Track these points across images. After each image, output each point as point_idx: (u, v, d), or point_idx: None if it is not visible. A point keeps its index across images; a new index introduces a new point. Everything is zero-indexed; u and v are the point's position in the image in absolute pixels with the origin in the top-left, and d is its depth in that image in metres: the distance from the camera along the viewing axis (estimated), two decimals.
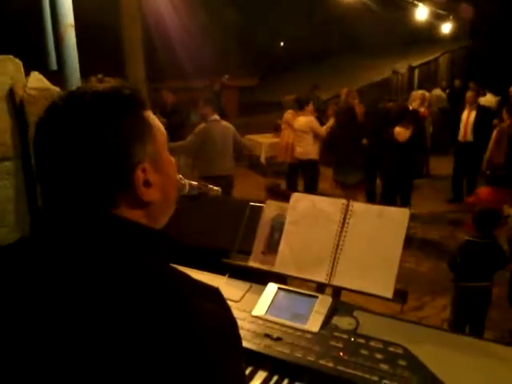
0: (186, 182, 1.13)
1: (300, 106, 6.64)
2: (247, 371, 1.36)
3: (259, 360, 1.37)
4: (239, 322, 1.49)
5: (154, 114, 0.87)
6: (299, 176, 7.04)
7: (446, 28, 14.90)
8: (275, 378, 1.32)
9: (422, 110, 7.19)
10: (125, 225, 0.77)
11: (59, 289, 0.71)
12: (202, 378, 0.66)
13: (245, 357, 1.39)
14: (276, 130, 8.96)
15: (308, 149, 6.53)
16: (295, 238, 1.64)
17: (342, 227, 1.58)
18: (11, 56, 2.18)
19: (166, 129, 0.88)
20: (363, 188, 6.53)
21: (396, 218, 1.52)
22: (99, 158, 0.74)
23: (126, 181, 0.76)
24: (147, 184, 0.79)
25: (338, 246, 1.57)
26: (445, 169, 8.22)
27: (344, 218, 1.59)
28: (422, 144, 6.95)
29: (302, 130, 6.52)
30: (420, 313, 4.46)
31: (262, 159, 8.95)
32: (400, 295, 1.47)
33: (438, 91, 10.88)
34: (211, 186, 1.30)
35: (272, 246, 1.67)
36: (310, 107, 6.63)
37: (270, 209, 1.73)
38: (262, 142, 9.05)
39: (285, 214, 1.69)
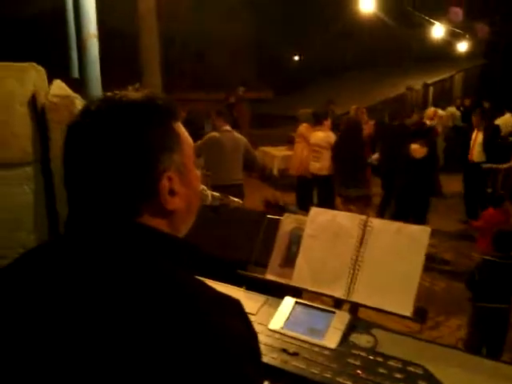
0: (209, 193, 1.13)
1: (317, 120, 6.61)
2: None
3: (276, 375, 1.35)
4: None
5: None
6: (313, 191, 7.01)
7: (462, 47, 14.91)
8: None
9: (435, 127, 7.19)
10: (147, 232, 0.77)
11: (79, 296, 0.71)
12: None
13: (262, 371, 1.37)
14: (290, 142, 8.98)
15: (325, 164, 6.44)
16: (313, 251, 1.62)
17: (361, 243, 1.57)
18: (34, 63, 2.22)
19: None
20: (367, 203, 6.45)
21: (416, 236, 1.50)
22: (128, 164, 0.75)
23: (151, 188, 0.77)
24: (172, 193, 0.80)
25: (356, 261, 1.55)
26: (457, 187, 8.16)
27: (363, 234, 1.57)
28: (435, 161, 6.93)
29: (319, 145, 6.46)
30: (435, 332, 4.39)
31: (275, 171, 8.96)
32: (419, 314, 1.44)
33: (452, 109, 10.86)
34: (232, 198, 1.30)
35: (289, 259, 1.66)
36: (329, 122, 6.60)
37: (288, 221, 1.72)
38: (275, 155, 9.08)
39: (302, 227, 1.67)
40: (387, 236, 1.54)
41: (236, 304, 0.77)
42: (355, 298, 1.51)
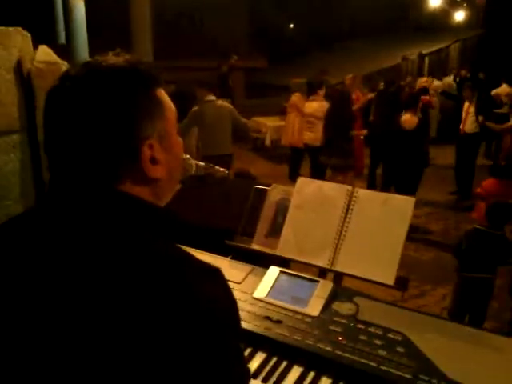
0: (193, 162, 1.13)
1: (311, 90, 6.53)
2: (247, 352, 1.37)
3: (259, 342, 1.38)
4: (240, 304, 1.50)
5: None
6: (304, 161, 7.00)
7: (459, 16, 14.68)
8: (274, 359, 1.34)
9: (427, 97, 7.13)
10: (128, 200, 0.77)
11: (60, 264, 0.71)
12: (200, 359, 0.67)
13: (245, 338, 1.40)
14: (282, 112, 8.91)
15: (319, 135, 6.36)
16: (299, 222, 1.64)
17: (346, 213, 1.58)
18: (20, 28, 2.16)
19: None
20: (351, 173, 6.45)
21: (400, 206, 1.52)
22: (108, 130, 0.74)
23: (132, 155, 0.76)
24: (153, 161, 0.79)
25: (341, 231, 1.57)
26: (449, 158, 8.18)
27: (348, 204, 1.58)
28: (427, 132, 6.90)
29: (313, 116, 6.39)
30: (420, 301, 4.49)
31: (267, 142, 8.92)
32: (401, 282, 1.47)
33: (449, 79, 10.78)
34: (218, 168, 1.29)
35: (275, 230, 1.68)
36: (323, 91, 6.52)
37: (275, 192, 1.73)
38: (268, 125, 9.02)
39: (289, 197, 1.68)
40: (372, 206, 1.56)
41: (216, 272, 0.78)
42: (338, 267, 1.54)
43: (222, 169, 1.31)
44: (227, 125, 5.27)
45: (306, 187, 1.67)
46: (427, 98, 7.27)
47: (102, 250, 0.71)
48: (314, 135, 6.43)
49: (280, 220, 1.68)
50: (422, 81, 7.73)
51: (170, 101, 0.85)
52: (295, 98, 7.00)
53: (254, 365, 1.32)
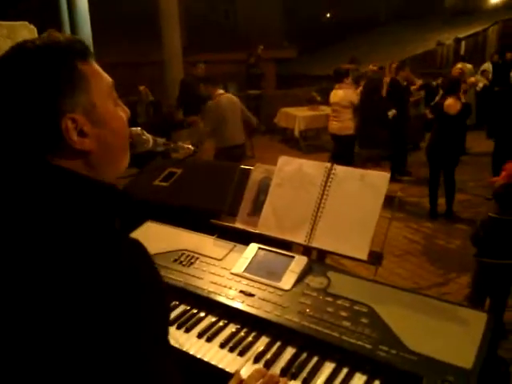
0: (150, 137, 1.16)
1: (337, 79, 6.45)
2: (221, 323, 1.42)
3: (233, 314, 1.43)
4: (218, 279, 1.56)
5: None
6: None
7: None
8: (244, 330, 1.38)
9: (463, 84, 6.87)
10: (55, 171, 0.80)
11: None
12: (115, 318, 0.71)
13: (220, 310, 1.45)
14: (310, 102, 8.86)
15: (346, 124, 6.30)
16: (279, 200, 1.66)
17: (324, 190, 1.59)
18: (26, 22, 2.27)
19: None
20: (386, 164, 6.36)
21: (376, 183, 1.52)
22: (28, 105, 0.78)
23: (53, 129, 0.80)
24: (82, 134, 0.82)
25: (318, 208, 1.58)
26: (485, 146, 7.90)
27: (326, 181, 1.60)
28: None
29: (339, 104, 6.30)
30: (443, 288, 4.40)
31: (296, 133, 8.89)
32: (375, 257, 1.47)
33: (487, 65, 10.35)
34: (181, 144, 1.33)
35: (257, 208, 1.71)
36: (349, 80, 6.44)
37: (258, 171, 1.76)
38: (297, 115, 8.97)
39: (271, 176, 1.71)
40: (349, 183, 1.56)
41: (137, 245, 0.80)
42: (315, 244, 1.56)
43: (187, 145, 1.35)
44: (239, 116, 5.44)
45: (287, 165, 1.69)
46: (465, 86, 7.01)
47: (23, 220, 0.76)
48: (340, 124, 6.32)
49: (262, 198, 1.71)
50: (457, 67, 7.46)
51: (102, 74, 0.88)
52: None
53: (224, 335, 1.37)
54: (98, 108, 0.85)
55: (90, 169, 0.85)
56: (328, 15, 20.54)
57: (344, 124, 6.31)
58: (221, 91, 5.46)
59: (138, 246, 0.80)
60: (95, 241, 0.76)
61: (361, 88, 7.31)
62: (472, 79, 8.33)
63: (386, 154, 7.09)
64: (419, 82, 7.62)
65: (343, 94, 6.24)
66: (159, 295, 0.79)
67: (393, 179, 6.87)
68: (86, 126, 0.82)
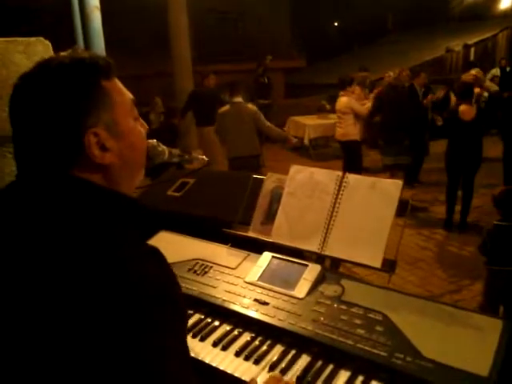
0: (165, 148, 1.19)
1: (342, 86, 6.53)
2: (236, 332, 1.43)
3: (247, 323, 1.44)
4: (232, 288, 1.57)
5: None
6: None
7: (506, 2, 14.01)
8: (259, 338, 1.38)
9: (478, 89, 6.83)
10: (77, 182, 0.83)
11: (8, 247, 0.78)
12: (128, 330, 0.71)
13: (234, 319, 1.46)
14: (319, 110, 8.89)
15: (348, 130, 6.41)
16: (291, 208, 1.68)
17: (336, 198, 1.60)
18: (41, 38, 2.32)
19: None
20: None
21: (388, 190, 1.52)
22: (54, 122, 0.82)
23: (77, 143, 0.83)
24: (103, 148, 0.85)
25: (331, 216, 1.59)
26: (497, 151, 7.83)
27: (338, 190, 1.61)
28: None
29: (341, 111, 6.43)
30: (456, 296, 4.37)
31: (306, 141, 8.91)
32: (388, 265, 1.48)
33: (495, 71, 10.33)
34: (196, 155, 1.35)
35: (270, 217, 1.72)
36: (353, 88, 6.51)
37: (270, 180, 1.77)
38: (306, 124, 9.01)
39: (283, 185, 1.72)
40: (361, 191, 1.57)
41: (155, 251, 0.83)
42: (328, 252, 1.56)
43: (200, 156, 1.37)
44: (250, 128, 5.27)
45: (298, 174, 1.70)
46: (477, 90, 6.96)
47: (42, 230, 0.78)
48: (343, 131, 6.47)
49: (274, 207, 1.72)
50: (471, 73, 7.41)
51: (123, 90, 0.92)
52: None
53: (239, 344, 1.37)
54: (119, 124, 0.88)
55: (109, 182, 0.88)
56: (336, 24, 20.64)
57: (347, 130, 6.42)
58: (237, 100, 5.33)
59: (157, 254, 0.82)
60: (118, 250, 0.78)
61: (373, 95, 7.30)
62: (488, 83, 8.30)
63: (408, 161, 7.08)
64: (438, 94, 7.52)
65: (345, 101, 6.33)
66: (176, 303, 0.80)
67: (409, 185, 6.88)
68: (108, 141, 0.86)
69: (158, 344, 0.74)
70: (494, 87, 8.59)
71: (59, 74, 0.83)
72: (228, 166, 5.48)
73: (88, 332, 0.70)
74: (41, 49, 2.32)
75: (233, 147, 5.33)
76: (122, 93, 0.91)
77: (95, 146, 0.84)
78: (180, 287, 0.84)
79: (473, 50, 12.84)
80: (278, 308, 1.43)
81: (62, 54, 0.88)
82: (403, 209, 1.54)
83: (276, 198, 1.73)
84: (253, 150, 5.34)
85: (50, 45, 2.37)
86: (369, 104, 6.65)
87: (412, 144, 6.77)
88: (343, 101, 6.38)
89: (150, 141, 1.10)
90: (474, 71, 7.76)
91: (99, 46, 2.50)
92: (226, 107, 5.38)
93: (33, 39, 2.29)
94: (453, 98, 6.92)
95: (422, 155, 7.12)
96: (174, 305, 0.80)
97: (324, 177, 1.65)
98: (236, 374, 1.26)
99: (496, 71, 10.34)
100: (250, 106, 5.47)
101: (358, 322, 1.32)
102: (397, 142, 5.95)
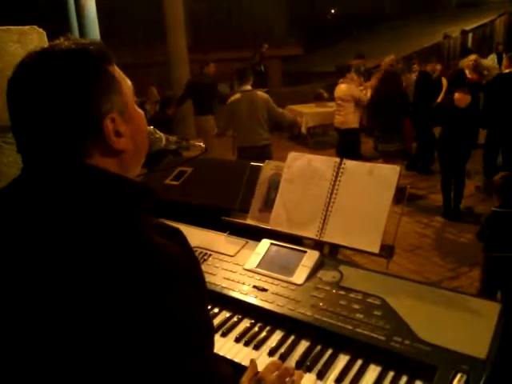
0: (162, 135, 1.18)
1: (340, 74, 6.50)
2: (235, 318, 1.44)
3: (247, 309, 1.45)
4: (231, 275, 1.57)
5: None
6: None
7: None
8: (258, 324, 1.39)
9: (475, 76, 6.80)
10: (94, 171, 0.82)
11: (26, 237, 0.77)
12: (153, 303, 0.72)
13: (233, 306, 1.47)
14: (317, 98, 8.86)
15: (348, 118, 6.38)
16: (289, 195, 1.68)
17: (334, 185, 1.60)
18: (36, 27, 2.29)
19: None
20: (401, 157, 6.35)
21: (386, 176, 1.52)
22: (68, 110, 0.80)
23: (96, 130, 0.82)
24: (118, 134, 0.85)
25: (329, 203, 1.60)
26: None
27: (336, 176, 1.61)
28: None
29: (341, 99, 6.38)
30: (455, 282, 4.40)
31: (303, 129, 8.89)
32: (386, 250, 1.48)
33: (492, 56, 10.28)
34: (193, 142, 1.34)
35: (268, 204, 1.72)
36: (351, 75, 6.47)
37: (268, 168, 1.77)
38: (304, 112, 8.98)
39: (281, 172, 1.72)
40: (359, 177, 1.57)
41: (176, 231, 0.84)
42: (326, 238, 1.57)
43: (198, 143, 1.36)
44: (262, 116, 5.02)
45: (296, 161, 1.70)
46: (475, 76, 6.92)
47: (64, 217, 0.77)
48: (342, 118, 6.42)
49: (272, 195, 1.72)
50: (470, 59, 7.37)
51: (124, 75, 0.91)
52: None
53: (238, 330, 1.38)
54: (128, 108, 0.89)
55: (122, 168, 0.88)
56: (333, 11, 20.50)
57: (346, 118, 6.38)
58: (246, 88, 5.07)
59: (179, 234, 0.84)
60: (141, 233, 0.78)
61: (372, 82, 7.28)
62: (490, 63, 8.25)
63: (402, 148, 7.08)
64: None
65: (345, 89, 6.30)
66: (199, 281, 0.82)
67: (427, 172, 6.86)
68: (121, 126, 0.86)
69: (185, 319, 0.75)
70: (495, 69, 8.49)
71: (66, 61, 0.82)
72: (237, 156, 5.23)
73: (116, 311, 0.70)
74: (35, 37, 2.29)
75: (245, 136, 5.07)
76: (124, 77, 0.91)
77: (112, 132, 0.83)
78: (201, 266, 0.86)
79: (470, 35, 12.77)
80: (276, 294, 1.44)
81: (60, 41, 0.87)
82: (401, 195, 1.55)
83: (274, 185, 1.73)
84: (264, 139, 5.11)
85: (44, 33, 2.34)
86: (367, 91, 6.62)
87: (419, 133, 6.81)
88: (343, 88, 6.33)
89: (147, 127, 1.09)
90: (473, 56, 7.72)
91: (94, 35, 2.49)
92: (237, 95, 5.10)
93: (27, 28, 2.26)
94: (444, 83, 6.92)
95: (425, 143, 7.10)
96: (197, 283, 0.81)
97: (322, 163, 1.65)
98: (236, 360, 1.28)
99: (493, 57, 10.30)
100: (261, 93, 5.16)
101: (356, 306, 1.33)
102: (390, 129, 5.93)
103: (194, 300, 0.79)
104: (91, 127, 0.82)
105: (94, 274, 0.72)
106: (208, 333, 0.82)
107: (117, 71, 0.89)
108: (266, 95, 5.20)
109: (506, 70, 6.26)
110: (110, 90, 0.85)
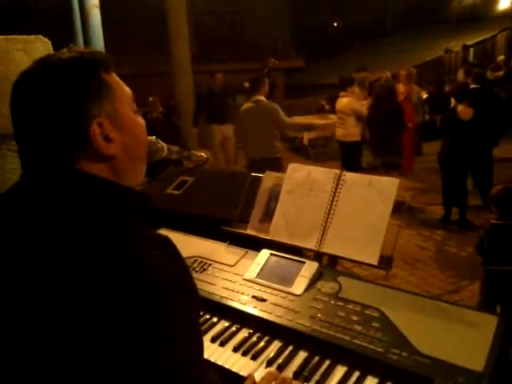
0: (164, 145, 1.20)
1: (342, 87, 6.53)
2: (234, 328, 1.44)
3: (245, 319, 1.45)
4: (230, 285, 1.58)
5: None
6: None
7: (505, 3, 14.03)
8: (257, 334, 1.40)
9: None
10: (80, 175, 0.84)
11: (14, 239, 0.79)
12: (141, 313, 0.72)
13: (232, 316, 1.48)
14: (319, 110, 8.91)
15: (349, 130, 6.39)
16: (289, 206, 1.69)
17: (334, 196, 1.62)
18: (41, 36, 2.32)
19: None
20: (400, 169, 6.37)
21: (385, 188, 1.53)
22: (56, 113, 0.82)
23: (82, 134, 0.84)
24: (107, 139, 0.86)
25: (328, 214, 1.61)
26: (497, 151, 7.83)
27: (336, 188, 1.62)
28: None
29: (343, 112, 6.42)
30: (455, 296, 4.38)
31: (305, 141, 8.93)
32: (385, 262, 1.49)
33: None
34: (194, 152, 1.36)
35: (268, 215, 1.73)
36: (353, 88, 6.51)
37: (268, 179, 1.79)
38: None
39: (281, 183, 1.74)
40: (358, 189, 1.59)
41: (166, 240, 0.84)
42: (325, 249, 1.58)
43: (200, 153, 1.38)
44: (269, 128, 4.87)
45: (296, 172, 1.71)
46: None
47: (51, 224, 0.78)
48: (344, 131, 6.44)
49: (272, 205, 1.73)
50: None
51: (122, 84, 0.93)
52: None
53: (237, 340, 1.39)
54: (121, 115, 0.90)
55: (114, 175, 0.89)
56: (335, 24, 20.68)
57: (348, 131, 6.40)
58: (257, 98, 4.93)
59: (169, 243, 0.84)
60: (129, 240, 0.78)
61: (371, 97, 7.33)
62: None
63: (399, 161, 7.10)
64: (424, 93, 7.61)
65: (346, 102, 6.33)
66: (187, 290, 0.82)
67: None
68: (111, 132, 0.87)
69: (172, 331, 0.75)
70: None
71: (59, 67, 0.85)
72: (248, 167, 5.15)
73: (101, 321, 0.70)
74: (40, 47, 2.32)
75: (251, 148, 5.02)
76: (121, 85, 0.93)
77: (100, 137, 0.85)
78: (191, 275, 0.86)
79: (472, 50, 12.87)
80: (275, 304, 1.44)
81: (62, 51, 0.90)
82: (400, 207, 1.56)
83: (274, 196, 1.74)
84: (273, 151, 4.94)
85: (49, 43, 2.37)
86: (367, 105, 6.67)
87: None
88: (344, 102, 6.35)
89: (149, 137, 1.11)
90: (475, 70, 7.77)
91: (98, 44, 2.52)
92: (249, 104, 5.00)
93: (32, 37, 2.29)
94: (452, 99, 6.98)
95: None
96: (187, 292, 0.81)
97: (321, 175, 1.66)
98: (234, 370, 1.28)
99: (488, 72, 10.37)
100: (269, 103, 4.99)
101: (354, 318, 1.33)
102: (386, 142, 5.98)
103: (182, 310, 0.79)
104: (77, 131, 0.83)
105: (77, 287, 0.72)
106: (196, 342, 0.82)
107: (113, 79, 0.91)
108: (274, 106, 5.02)
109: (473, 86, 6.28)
110: (102, 96, 0.86)
